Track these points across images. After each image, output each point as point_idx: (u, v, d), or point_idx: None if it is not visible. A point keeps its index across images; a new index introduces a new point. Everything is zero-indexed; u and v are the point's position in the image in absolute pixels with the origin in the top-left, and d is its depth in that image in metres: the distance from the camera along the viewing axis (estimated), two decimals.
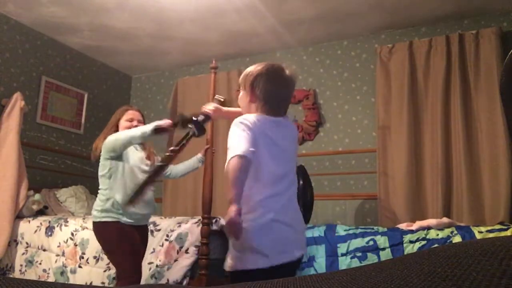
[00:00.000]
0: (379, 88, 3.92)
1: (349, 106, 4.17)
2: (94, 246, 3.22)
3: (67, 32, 4.27)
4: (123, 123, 2.57)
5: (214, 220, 2.95)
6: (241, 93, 1.77)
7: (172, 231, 3.02)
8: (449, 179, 3.55)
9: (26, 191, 3.72)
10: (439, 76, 3.70)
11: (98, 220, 2.39)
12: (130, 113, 2.60)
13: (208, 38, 4.31)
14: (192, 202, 4.53)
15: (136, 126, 2.57)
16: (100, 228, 2.40)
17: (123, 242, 2.36)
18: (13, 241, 3.56)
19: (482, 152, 3.47)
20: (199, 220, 2.93)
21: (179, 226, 3.04)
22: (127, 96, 5.36)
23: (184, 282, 2.83)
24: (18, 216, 3.65)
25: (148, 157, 2.61)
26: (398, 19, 3.89)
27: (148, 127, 2.32)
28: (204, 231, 2.78)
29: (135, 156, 2.52)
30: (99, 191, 2.46)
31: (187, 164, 2.92)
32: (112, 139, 2.40)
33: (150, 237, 3.05)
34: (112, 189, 2.39)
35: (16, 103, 3.79)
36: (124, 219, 2.38)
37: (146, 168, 2.53)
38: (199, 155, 2.93)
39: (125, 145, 2.38)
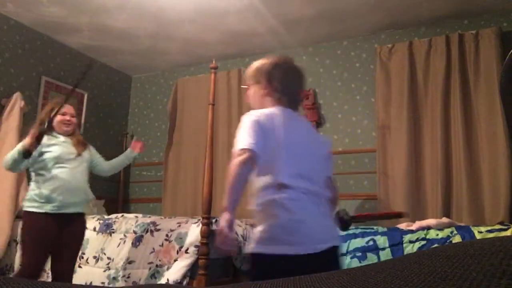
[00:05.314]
0: (379, 88, 3.92)
1: (349, 106, 4.17)
2: (94, 246, 3.22)
3: (67, 32, 4.27)
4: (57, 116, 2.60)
5: (214, 220, 2.95)
6: (252, 87, 1.65)
7: (172, 231, 3.02)
8: (449, 179, 3.55)
9: (26, 191, 3.71)
10: (439, 76, 3.70)
11: (24, 209, 2.51)
12: (64, 107, 2.62)
13: (208, 38, 4.31)
14: (192, 202, 4.52)
15: (68, 120, 2.63)
16: (23, 218, 2.51)
17: (32, 232, 2.43)
18: (13, 241, 3.56)
19: (482, 152, 3.47)
20: (199, 220, 2.93)
21: (179, 226, 3.04)
22: (126, 96, 5.36)
23: (184, 282, 2.83)
24: (18, 216, 3.64)
25: (76, 146, 2.62)
26: (398, 19, 3.89)
27: (15, 151, 2.37)
28: (204, 231, 2.78)
29: (59, 148, 2.55)
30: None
31: (118, 159, 2.96)
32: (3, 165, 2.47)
33: (150, 237, 3.06)
34: (38, 182, 2.49)
35: (16, 103, 3.79)
36: (47, 207, 2.43)
37: (72, 157, 2.57)
38: (128, 150, 2.97)
39: (14, 167, 2.44)
